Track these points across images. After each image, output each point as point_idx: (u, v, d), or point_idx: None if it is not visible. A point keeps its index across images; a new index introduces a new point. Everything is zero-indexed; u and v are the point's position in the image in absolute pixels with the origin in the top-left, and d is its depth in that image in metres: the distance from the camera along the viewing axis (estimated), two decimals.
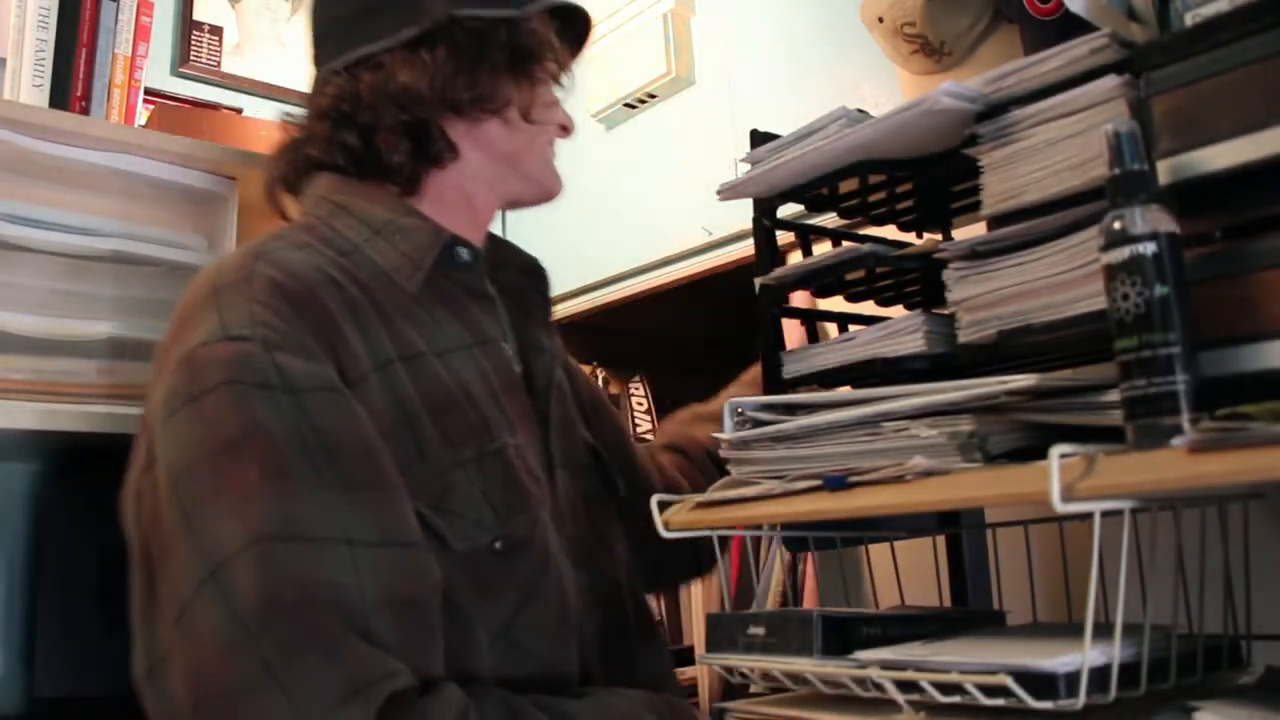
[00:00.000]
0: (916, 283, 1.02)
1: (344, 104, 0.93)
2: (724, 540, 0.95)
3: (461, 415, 0.86)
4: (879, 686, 0.70)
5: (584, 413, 1.08)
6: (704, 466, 1.20)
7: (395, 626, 0.73)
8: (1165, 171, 0.70)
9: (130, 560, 0.80)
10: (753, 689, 0.84)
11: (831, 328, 1.06)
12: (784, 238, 1.02)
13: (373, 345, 0.83)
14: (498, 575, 0.83)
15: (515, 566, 0.84)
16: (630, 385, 2.28)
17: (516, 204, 1.04)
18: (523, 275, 1.04)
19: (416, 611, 0.76)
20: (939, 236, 1.07)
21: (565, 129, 1.03)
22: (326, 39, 0.99)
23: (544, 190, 1.02)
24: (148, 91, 1.56)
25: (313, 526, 0.73)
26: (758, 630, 0.79)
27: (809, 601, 1.71)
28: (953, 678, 0.66)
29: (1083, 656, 0.62)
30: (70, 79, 1.39)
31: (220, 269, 0.84)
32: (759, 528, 1.14)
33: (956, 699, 0.66)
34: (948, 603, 1.08)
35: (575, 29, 1.04)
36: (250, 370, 0.76)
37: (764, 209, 1.02)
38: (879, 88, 1.48)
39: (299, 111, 1.00)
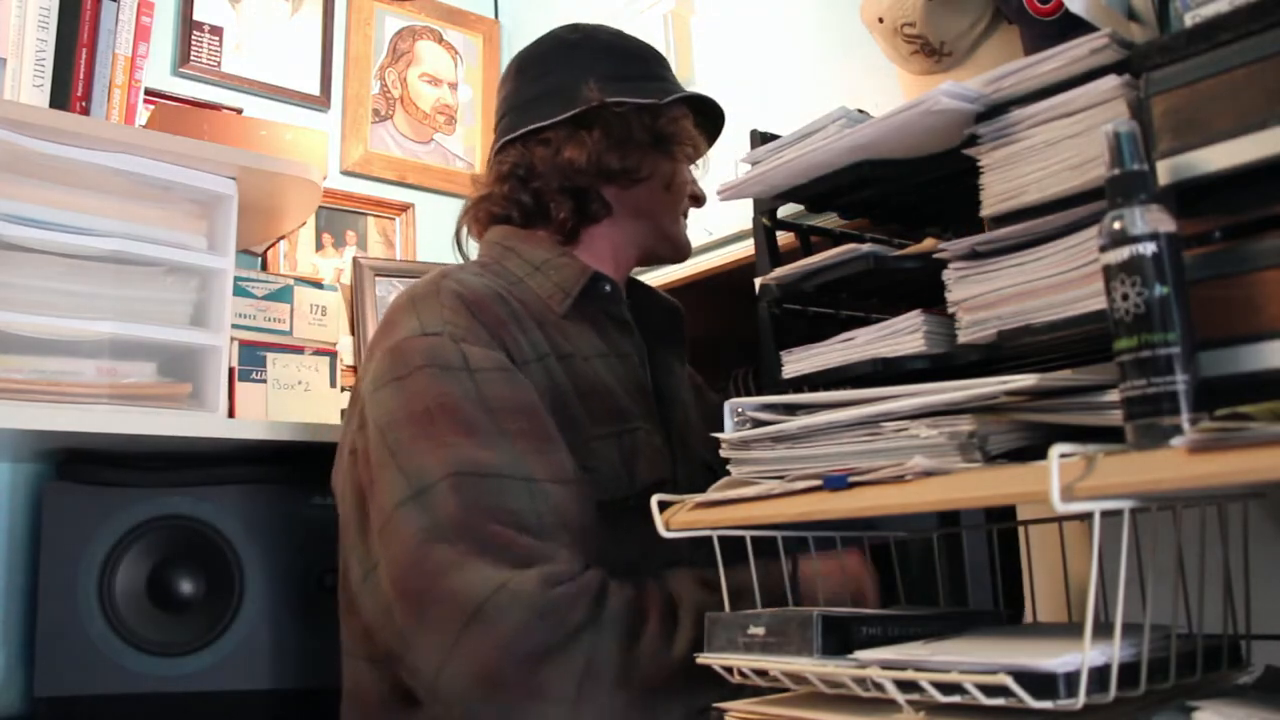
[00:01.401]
0: (916, 283, 1.02)
1: (520, 170, 1.18)
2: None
3: (603, 402, 1.08)
4: (879, 686, 0.70)
5: (705, 432, 1.24)
6: None
7: (564, 543, 0.94)
8: (1165, 171, 0.70)
9: (342, 504, 1.06)
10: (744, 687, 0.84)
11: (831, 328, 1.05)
12: (784, 238, 1.02)
13: (532, 342, 1.06)
14: (628, 525, 0.96)
15: (644, 521, 0.93)
16: None
17: (653, 259, 1.27)
18: (664, 314, 1.28)
19: (580, 534, 0.96)
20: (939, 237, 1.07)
21: (697, 199, 1.27)
22: (506, 115, 1.23)
23: (678, 249, 1.27)
24: (148, 91, 1.56)
25: (495, 467, 0.94)
26: (758, 630, 0.79)
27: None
28: (953, 677, 0.66)
29: (1082, 656, 0.62)
30: (70, 79, 1.39)
31: (415, 288, 1.09)
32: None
33: (956, 699, 0.66)
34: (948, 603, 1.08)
35: (711, 118, 1.28)
36: (442, 356, 0.99)
37: (764, 209, 1.02)
38: (879, 88, 1.48)
39: (480, 175, 1.27)
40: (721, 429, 1.24)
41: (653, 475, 1.07)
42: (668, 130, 1.18)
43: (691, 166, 1.26)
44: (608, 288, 1.17)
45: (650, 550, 0.95)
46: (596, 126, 1.16)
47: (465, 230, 1.27)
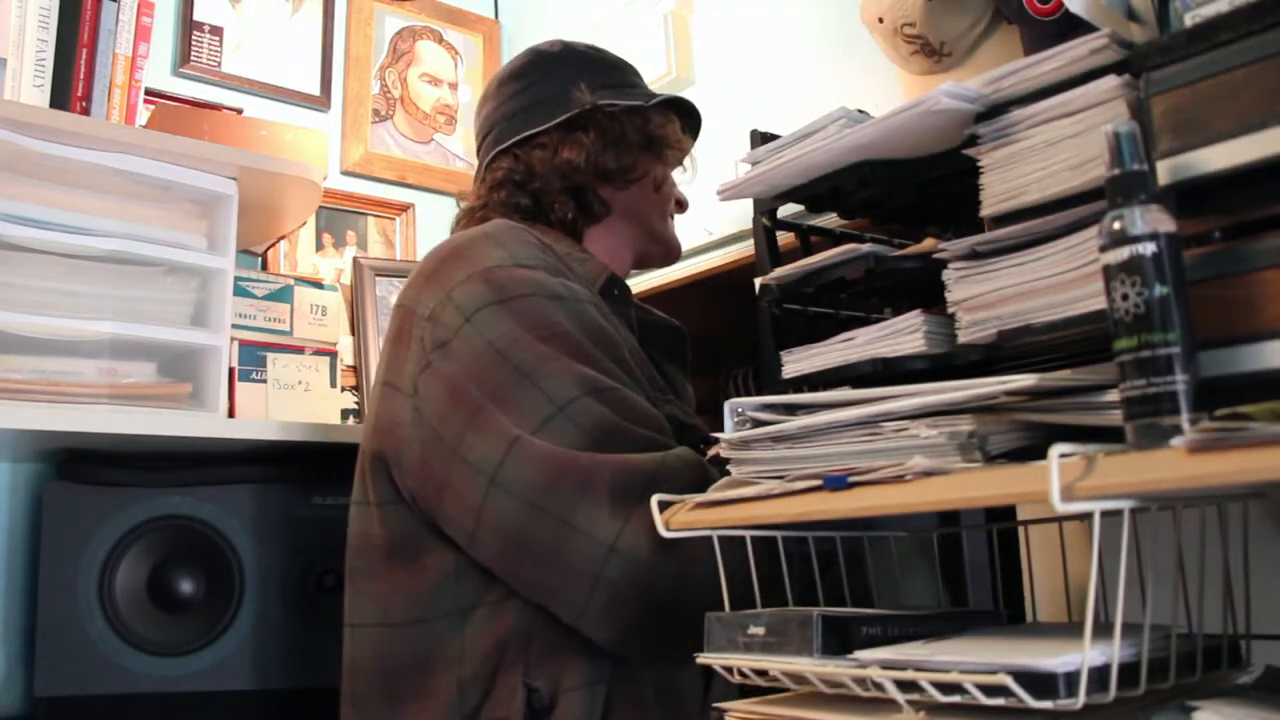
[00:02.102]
0: (916, 283, 1.02)
1: (516, 175, 1.21)
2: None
3: (644, 371, 1.13)
4: (879, 686, 0.70)
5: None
6: None
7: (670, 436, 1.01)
8: (1165, 172, 0.70)
9: (422, 421, 1.01)
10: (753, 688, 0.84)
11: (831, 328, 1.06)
12: (784, 238, 1.02)
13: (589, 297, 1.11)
14: None
15: None
16: None
17: (646, 260, 1.30)
18: (668, 334, 1.30)
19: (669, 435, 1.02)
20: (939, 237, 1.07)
21: (681, 204, 1.32)
22: (493, 129, 1.26)
23: (669, 250, 1.31)
24: (148, 91, 1.56)
25: (616, 384, 1.01)
26: (758, 630, 0.79)
27: None
28: (953, 677, 0.66)
29: (1082, 656, 0.62)
30: (71, 79, 1.39)
31: (478, 230, 1.11)
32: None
33: (956, 699, 0.66)
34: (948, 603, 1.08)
35: (692, 122, 1.33)
36: (547, 287, 1.04)
37: (764, 209, 1.02)
38: (879, 88, 1.48)
39: (468, 190, 1.30)
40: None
41: (690, 436, 1.09)
42: (658, 133, 1.23)
43: (677, 169, 1.32)
44: (617, 291, 1.19)
45: None
46: (591, 128, 1.20)
47: None
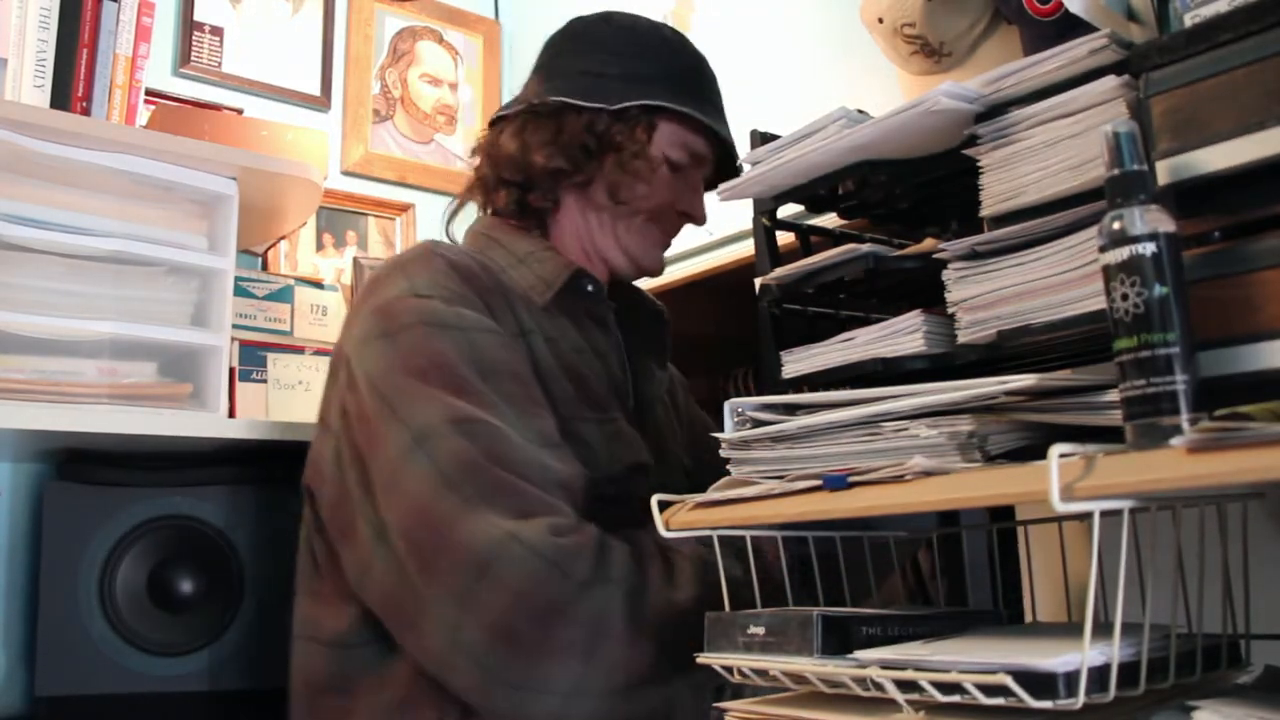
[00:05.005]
0: (916, 283, 1.02)
1: (480, 151, 1.20)
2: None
3: (585, 390, 1.07)
4: (879, 686, 0.70)
5: (687, 440, 1.26)
6: None
7: (562, 498, 0.94)
8: (1164, 172, 0.70)
9: (334, 468, 1.01)
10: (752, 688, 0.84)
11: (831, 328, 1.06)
12: (784, 238, 1.02)
13: (517, 318, 1.06)
14: (603, 520, 0.96)
15: (620, 515, 0.97)
16: None
17: (612, 270, 1.19)
18: (649, 318, 1.25)
19: (572, 493, 0.96)
20: (948, 233, 1.07)
21: (688, 216, 1.20)
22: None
23: (634, 264, 1.19)
24: (148, 92, 1.56)
25: (493, 420, 0.94)
26: (758, 630, 0.80)
27: None
28: (952, 677, 0.66)
29: (1082, 656, 0.62)
30: (71, 79, 1.39)
31: (402, 255, 1.09)
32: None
33: (956, 698, 0.66)
34: (948, 603, 1.08)
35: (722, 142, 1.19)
36: (436, 315, 0.99)
37: (764, 209, 1.02)
38: (879, 88, 1.48)
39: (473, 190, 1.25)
40: (703, 437, 1.26)
41: (633, 459, 1.07)
42: (614, 139, 1.12)
43: (680, 177, 1.18)
44: (590, 286, 1.14)
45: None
46: (533, 122, 1.15)
47: (454, 217, 1.26)
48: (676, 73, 1.17)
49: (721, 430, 1.23)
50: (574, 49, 1.19)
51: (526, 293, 1.10)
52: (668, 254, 1.88)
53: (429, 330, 0.97)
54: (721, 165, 1.20)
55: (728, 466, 0.90)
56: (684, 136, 1.15)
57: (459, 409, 0.93)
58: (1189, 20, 0.74)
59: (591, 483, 1.00)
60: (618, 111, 1.12)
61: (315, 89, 2.02)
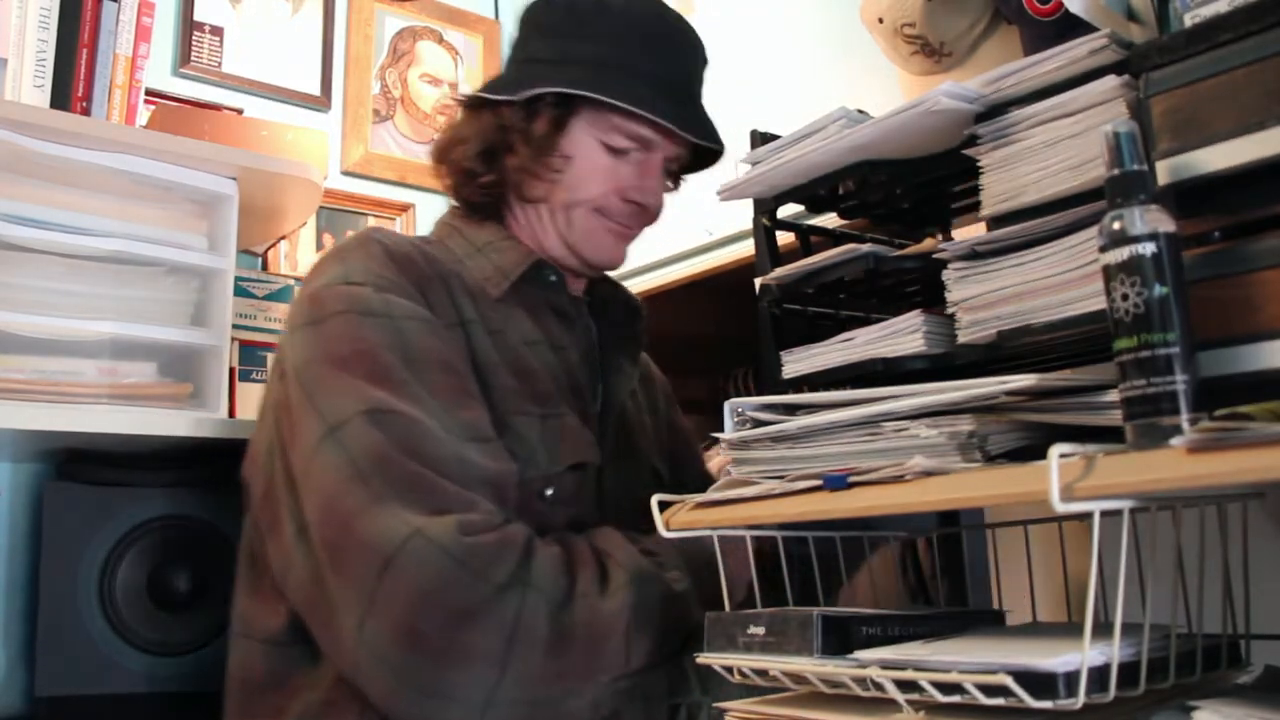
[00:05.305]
0: (916, 283, 1.02)
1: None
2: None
3: (529, 384, 1.02)
4: (879, 686, 0.70)
5: (665, 443, 1.22)
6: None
7: (484, 495, 0.89)
8: (1164, 172, 0.70)
9: (268, 460, 0.97)
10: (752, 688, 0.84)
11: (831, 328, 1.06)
12: (784, 238, 1.02)
13: (456, 307, 1.01)
14: (544, 523, 0.93)
15: (560, 517, 0.95)
16: None
17: (563, 266, 1.11)
18: (624, 312, 1.19)
19: (500, 490, 0.91)
20: (939, 236, 1.07)
21: (635, 204, 1.08)
22: None
23: (580, 260, 1.11)
24: (148, 92, 1.56)
25: (413, 411, 0.89)
26: (758, 630, 0.80)
27: None
28: (953, 677, 0.66)
29: (1082, 656, 0.62)
30: (71, 79, 1.39)
31: (342, 242, 1.05)
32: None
33: (956, 698, 0.66)
34: (948, 603, 1.08)
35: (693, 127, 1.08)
36: (364, 303, 0.95)
37: (764, 209, 1.02)
38: (879, 88, 1.48)
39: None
40: (681, 451, 1.23)
41: (576, 457, 1.01)
42: (517, 131, 1.06)
43: (624, 162, 1.08)
44: (553, 277, 1.10)
45: None
46: (465, 114, 1.12)
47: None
48: (622, 49, 1.06)
49: (697, 448, 1.22)
50: (523, 34, 1.13)
51: (481, 283, 1.05)
52: (667, 254, 1.90)
53: (356, 318, 0.94)
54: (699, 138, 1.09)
55: (728, 466, 0.90)
56: (618, 121, 1.05)
57: (376, 399, 0.89)
58: (1189, 20, 0.74)
59: (527, 480, 0.96)
60: (527, 102, 1.05)
61: (315, 89, 2.02)
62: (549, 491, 0.97)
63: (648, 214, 1.11)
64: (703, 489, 1.05)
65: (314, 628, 0.91)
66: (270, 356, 1.57)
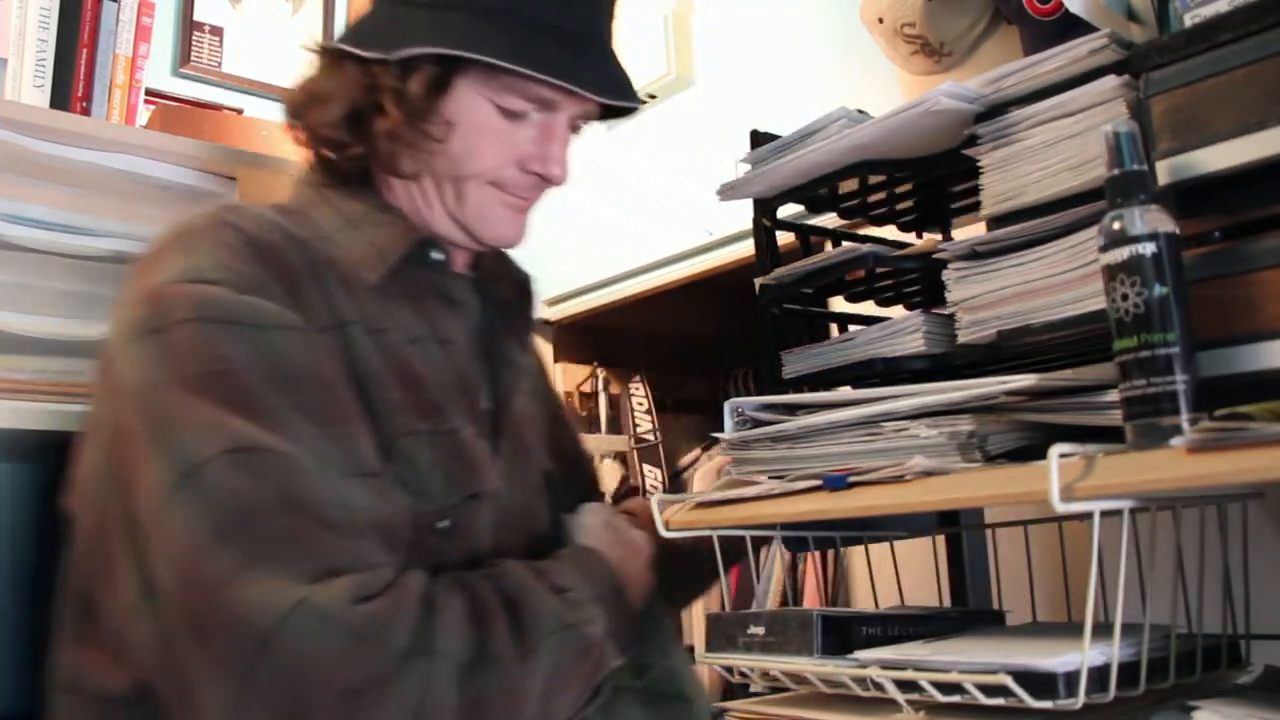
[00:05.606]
0: (916, 283, 1.02)
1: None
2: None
3: (417, 393, 0.85)
4: (879, 686, 0.70)
5: (554, 438, 1.05)
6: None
7: (375, 544, 0.75)
8: (1165, 172, 0.70)
9: (96, 491, 0.80)
10: (753, 689, 0.84)
11: (831, 328, 1.06)
12: (784, 238, 1.02)
13: (332, 306, 0.84)
14: (437, 560, 0.80)
15: (455, 551, 0.83)
16: (630, 385, 2.28)
17: (452, 244, 0.94)
18: (514, 290, 1.01)
19: (390, 534, 0.77)
20: (939, 236, 1.07)
21: (538, 174, 0.92)
22: None
23: (472, 239, 0.94)
24: (148, 92, 1.56)
25: (286, 447, 0.74)
26: (758, 630, 0.80)
27: (809, 601, 1.71)
28: (953, 677, 0.66)
29: (1082, 656, 0.62)
30: (71, 79, 1.39)
31: (189, 219, 0.85)
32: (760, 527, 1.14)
33: (956, 698, 0.66)
34: (948, 603, 1.08)
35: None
36: (219, 309, 0.77)
37: (764, 209, 1.02)
38: (879, 88, 1.48)
39: None
40: (567, 432, 1.10)
41: (474, 487, 0.85)
42: (387, 94, 0.88)
43: (522, 126, 0.91)
44: (437, 255, 0.92)
45: None
46: (325, 67, 0.92)
47: None
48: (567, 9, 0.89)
49: (585, 447, 1.14)
50: None
51: (354, 267, 0.87)
52: (666, 254, 1.90)
53: (210, 328, 0.77)
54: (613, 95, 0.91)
55: (729, 466, 0.90)
56: (513, 80, 0.87)
57: (241, 434, 0.73)
58: (1189, 20, 0.74)
59: (418, 515, 0.80)
60: (403, 61, 0.87)
61: None
62: (443, 524, 0.83)
63: (552, 184, 0.95)
64: (587, 493, 1.04)
65: (169, 699, 0.76)
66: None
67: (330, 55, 0.91)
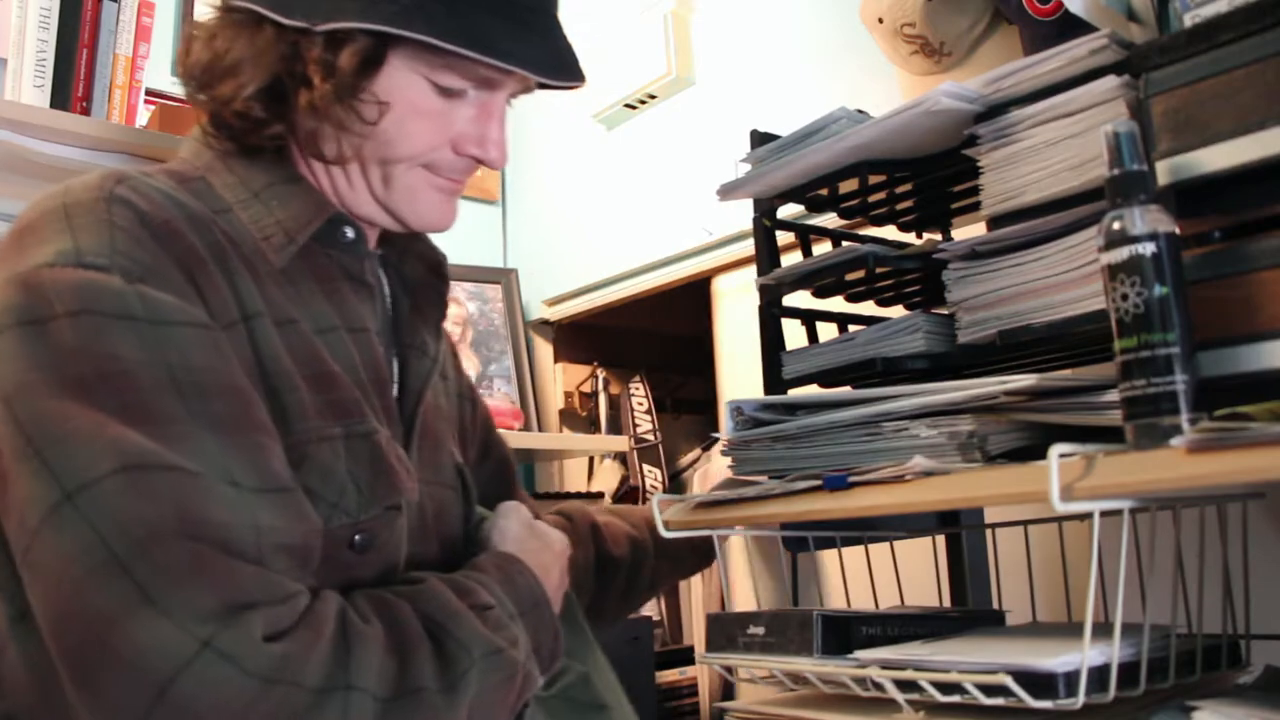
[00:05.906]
0: (916, 283, 1.02)
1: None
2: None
3: (329, 391, 0.77)
4: (879, 686, 0.70)
5: (466, 432, 1.01)
6: (583, 534, 1.06)
7: (284, 569, 0.68)
8: (1164, 172, 0.70)
9: None
10: (744, 686, 0.84)
11: (831, 328, 1.06)
12: (784, 238, 1.02)
13: (239, 296, 0.75)
14: (351, 577, 0.75)
15: (370, 567, 0.77)
16: (630, 385, 2.28)
17: (365, 220, 0.87)
18: (428, 271, 0.93)
19: (303, 555, 0.70)
20: (939, 236, 1.07)
21: (475, 157, 0.85)
22: None
23: (400, 223, 0.87)
24: (148, 92, 1.56)
25: (187, 463, 0.65)
26: (758, 630, 0.80)
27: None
28: (952, 677, 0.66)
29: (1082, 656, 0.62)
30: (71, 79, 1.39)
31: (71, 188, 0.73)
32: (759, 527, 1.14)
33: (956, 698, 0.66)
34: (948, 603, 1.08)
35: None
36: (110, 301, 0.68)
37: (764, 209, 1.02)
38: (879, 88, 1.48)
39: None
40: (484, 425, 1.05)
41: (392, 499, 0.78)
42: (312, 68, 0.78)
43: (459, 105, 0.83)
44: (349, 233, 0.84)
45: None
46: (234, 29, 0.81)
47: None
48: None
49: (505, 446, 1.11)
50: None
51: (260, 246, 0.79)
52: (666, 254, 1.90)
53: (99, 321, 0.67)
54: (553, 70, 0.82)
55: (729, 466, 0.90)
56: (456, 60, 0.79)
57: (134, 447, 0.64)
58: (1189, 20, 0.74)
59: (332, 529, 0.74)
60: (330, 32, 0.77)
61: None
62: (360, 539, 0.76)
63: (490, 167, 0.87)
64: (502, 477, 1.04)
65: None
66: None
67: (242, 15, 0.79)
